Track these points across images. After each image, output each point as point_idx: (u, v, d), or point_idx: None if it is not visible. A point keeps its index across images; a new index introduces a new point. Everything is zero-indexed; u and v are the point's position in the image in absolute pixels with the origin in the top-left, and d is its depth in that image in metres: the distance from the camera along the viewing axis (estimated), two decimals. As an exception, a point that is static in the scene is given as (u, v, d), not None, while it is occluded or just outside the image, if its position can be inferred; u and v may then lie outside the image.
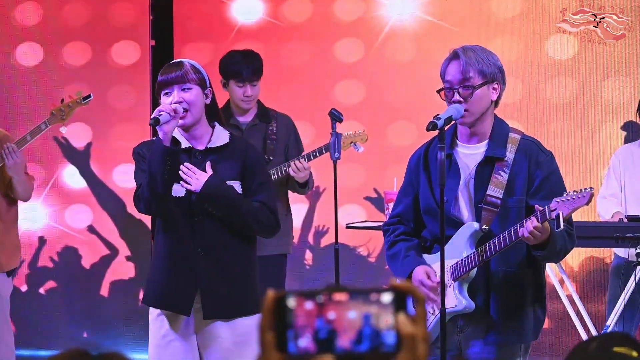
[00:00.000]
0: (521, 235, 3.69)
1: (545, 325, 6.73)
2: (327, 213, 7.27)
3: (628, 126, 6.80)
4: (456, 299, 3.86)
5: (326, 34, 7.32)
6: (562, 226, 3.56)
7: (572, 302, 6.12)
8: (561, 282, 6.22)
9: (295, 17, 7.42)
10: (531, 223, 3.65)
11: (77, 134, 7.47)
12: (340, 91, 7.30)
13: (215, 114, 4.23)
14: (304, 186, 5.79)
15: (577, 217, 6.55)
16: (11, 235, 5.60)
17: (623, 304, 5.67)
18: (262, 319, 1.44)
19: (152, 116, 4.01)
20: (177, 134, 4.15)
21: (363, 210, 7.21)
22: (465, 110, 3.83)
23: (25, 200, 5.64)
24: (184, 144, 4.16)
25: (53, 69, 7.52)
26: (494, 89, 3.89)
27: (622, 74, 6.91)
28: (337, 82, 7.27)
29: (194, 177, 4.09)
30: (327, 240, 7.35)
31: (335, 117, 5.37)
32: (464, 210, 3.92)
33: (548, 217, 3.63)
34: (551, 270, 6.11)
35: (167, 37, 7.46)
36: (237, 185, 4.15)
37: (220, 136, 4.20)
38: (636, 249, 5.37)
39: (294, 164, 5.71)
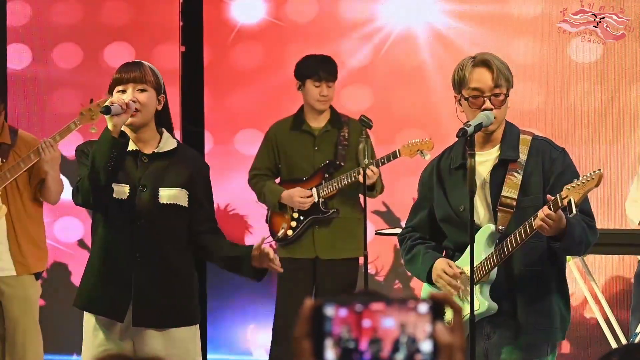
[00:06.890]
0: (536, 226, 3.71)
1: (574, 333, 6.54)
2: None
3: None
4: (478, 302, 3.89)
5: (331, 35, 7.06)
6: (574, 211, 3.60)
7: (601, 310, 6.05)
8: (591, 290, 6.12)
9: (299, 18, 7.16)
10: (542, 211, 3.69)
11: (68, 142, 7.11)
12: (346, 96, 6.97)
13: (166, 121, 4.23)
14: (371, 189, 5.84)
15: (609, 224, 6.30)
16: (41, 236, 5.61)
17: None
18: (299, 327, 1.46)
19: (104, 104, 4.00)
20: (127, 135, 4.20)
21: (372, 226, 6.72)
22: (493, 118, 3.92)
23: (55, 202, 5.60)
24: (131, 146, 4.15)
25: (43, 70, 7.35)
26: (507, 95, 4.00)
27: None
28: (344, 87, 6.92)
29: None
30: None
31: (365, 123, 5.62)
32: (482, 215, 3.99)
33: (560, 205, 3.66)
34: (581, 279, 6.03)
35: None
36: (183, 194, 4.14)
37: (168, 142, 4.21)
38: None
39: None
